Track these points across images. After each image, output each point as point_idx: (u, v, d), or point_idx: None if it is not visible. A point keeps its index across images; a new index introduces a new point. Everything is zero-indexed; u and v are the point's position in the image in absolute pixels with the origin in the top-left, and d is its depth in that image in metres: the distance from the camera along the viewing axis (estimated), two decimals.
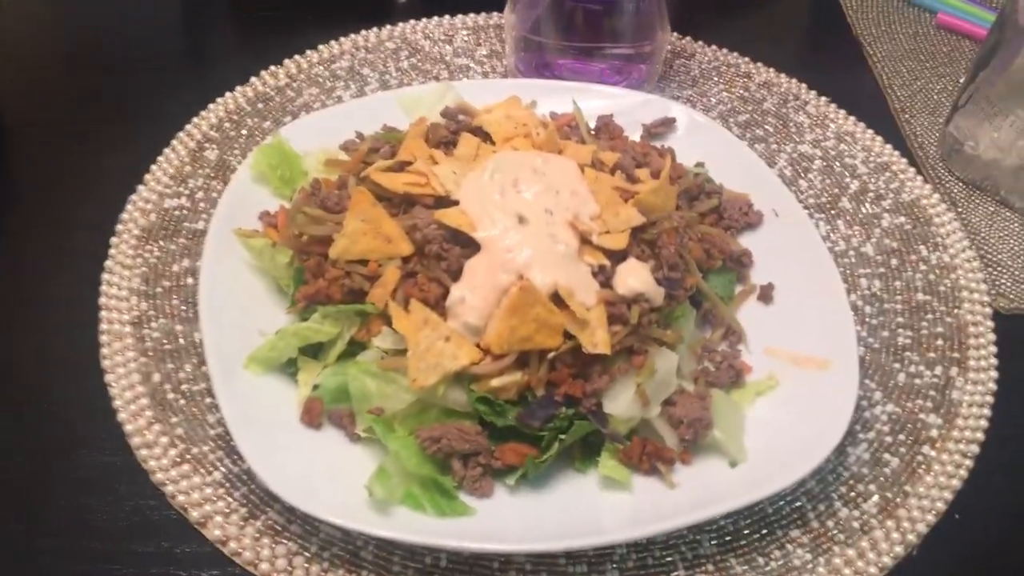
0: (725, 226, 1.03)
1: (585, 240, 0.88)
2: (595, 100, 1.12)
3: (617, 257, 0.88)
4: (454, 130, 1.00)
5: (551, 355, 0.83)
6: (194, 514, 0.84)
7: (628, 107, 1.13)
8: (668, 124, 1.12)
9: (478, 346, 0.84)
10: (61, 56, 1.32)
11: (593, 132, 1.08)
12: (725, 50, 1.33)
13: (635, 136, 1.11)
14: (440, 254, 0.86)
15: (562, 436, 0.83)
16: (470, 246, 0.86)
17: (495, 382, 0.83)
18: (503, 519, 0.81)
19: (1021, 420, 0.94)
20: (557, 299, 0.83)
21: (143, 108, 1.22)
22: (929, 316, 1.02)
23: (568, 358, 0.84)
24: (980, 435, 0.92)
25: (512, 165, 0.91)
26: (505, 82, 1.20)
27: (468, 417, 0.85)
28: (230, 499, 0.85)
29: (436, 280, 0.86)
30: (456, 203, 0.89)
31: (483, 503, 0.82)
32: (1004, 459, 0.91)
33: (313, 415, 0.86)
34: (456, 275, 0.86)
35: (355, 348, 0.88)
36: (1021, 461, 0.92)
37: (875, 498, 0.87)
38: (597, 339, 0.83)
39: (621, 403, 0.84)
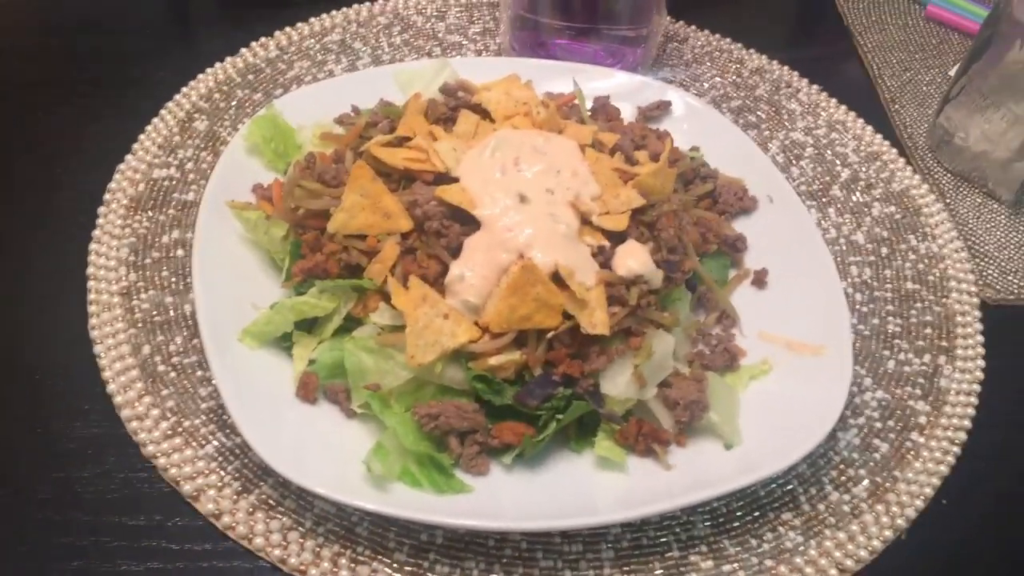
0: (720, 210, 1.03)
1: (585, 220, 0.88)
2: (591, 81, 1.11)
3: (617, 238, 0.88)
4: (453, 107, 0.99)
5: (550, 335, 0.83)
6: (186, 487, 0.83)
7: (623, 89, 1.13)
8: (663, 107, 1.12)
9: (477, 324, 0.83)
10: (48, 21, 1.29)
11: (589, 113, 1.07)
12: (718, 36, 1.33)
13: (628, 118, 1.11)
14: (440, 231, 0.86)
15: (559, 416, 0.83)
16: (470, 224, 0.86)
17: (493, 360, 0.83)
18: (499, 497, 0.81)
19: (1007, 408, 0.96)
20: (557, 279, 0.83)
21: (131, 77, 1.20)
22: (918, 305, 1.03)
23: (566, 338, 0.84)
24: (967, 423, 0.93)
25: (513, 143, 0.91)
26: (500, 60, 1.19)
27: (465, 395, 0.85)
28: (223, 473, 0.84)
29: (435, 257, 0.86)
30: (456, 180, 0.89)
31: (479, 481, 0.82)
32: (990, 446, 0.93)
33: (309, 390, 0.85)
34: (456, 252, 0.86)
35: (351, 324, 0.88)
36: (1007, 448, 0.93)
37: (865, 483, 0.88)
38: (596, 320, 0.83)
39: (618, 384, 0.84)
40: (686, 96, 1.13)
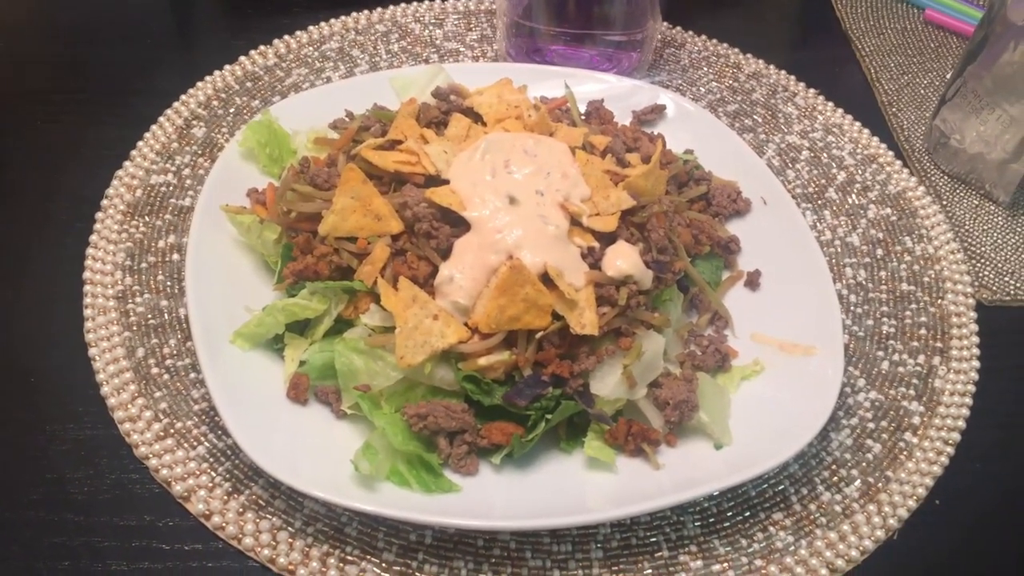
0: (713, 212, 1.03)
1: (575, 222, 0.88)
2: (586, 85, 1.12)
3: (606, 239, 0.88)
4: (445, 110, 1.00)
5: (539, 335, 0.83)
6: (177, 488, 0.83)
7: (618, 93, 1.13)
8: (658, 111, 1.12)
9: (466, 325, 0.84)
10: (50, 29, 1.31)
11: (584, 117, 1.08)
12: (715, 40, 1.33)
13: (625, 122, 1.11)
14: (430, 232, 0.86)
15: (548, 416, 0.83)
16: (460, 225, 0.87)
17: (482, 361, 0.83)
18: (488, 497, 0.81)
19: (1001, 409, 0.95)
20: (546, 280, 0.83)
21: (131, 84, 1.21)
22: (913, 306, 1.03)
23: (556, 338, 0.84)
24: (961, 423, 0.93)
25: (504, 146, 0.91)
26: (496, 66, 1.20)
27: (454, 395, 0.85)
28: (214, 474, 0.84)
29: (425, 259, 0.86)
30: (446, 182, 0.89)
31: (468, 481, 0.82)
32: (984, 447, 0.92)
33: (299, 391, 0.85)
34: (445, 254, 0.86)
35: (342, 325, 0.88)
36: (1001, 449, 0.93)
37: (857, 483, 0.88)
38: (585, 320, 0.83)
39: (608, 384, 0.84)
40: (680, 99, 1.14)
